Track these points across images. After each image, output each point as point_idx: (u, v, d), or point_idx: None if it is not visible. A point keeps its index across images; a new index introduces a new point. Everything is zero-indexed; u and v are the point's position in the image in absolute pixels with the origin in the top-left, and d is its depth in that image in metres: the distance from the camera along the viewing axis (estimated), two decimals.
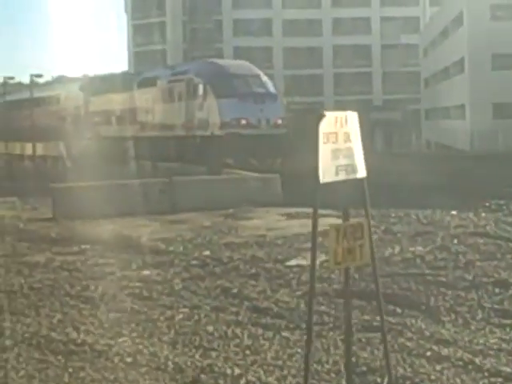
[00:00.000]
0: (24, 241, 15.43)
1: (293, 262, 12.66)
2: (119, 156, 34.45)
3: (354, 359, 7.50)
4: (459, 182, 24.73)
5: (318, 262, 12.57)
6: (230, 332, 8.63)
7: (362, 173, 6.33)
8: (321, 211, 19.74)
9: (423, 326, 8.61)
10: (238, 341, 8.32)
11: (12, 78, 53.93)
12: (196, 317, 9.41)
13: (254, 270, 12.15)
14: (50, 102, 46.47)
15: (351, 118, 6.30)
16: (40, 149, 41.16)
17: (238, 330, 8.73)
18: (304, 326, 8.99)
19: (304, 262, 12.73)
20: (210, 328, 8.83)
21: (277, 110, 29.98)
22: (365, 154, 6.35)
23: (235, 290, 10.84)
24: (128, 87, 37.12)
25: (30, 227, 17.18)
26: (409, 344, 7.92)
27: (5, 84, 53.06)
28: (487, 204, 19.55)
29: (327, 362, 7.44)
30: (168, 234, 16.11)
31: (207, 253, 13.75)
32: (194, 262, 13.01)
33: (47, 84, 60.57)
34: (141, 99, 35.78)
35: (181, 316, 9.44)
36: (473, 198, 20.90)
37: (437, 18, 65.90)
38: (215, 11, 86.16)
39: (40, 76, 49.96)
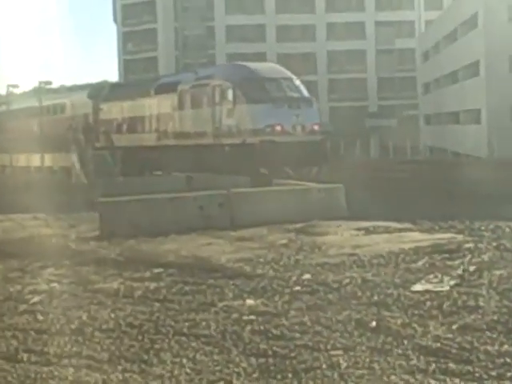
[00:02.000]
0: (85, 264, 13.62)
1: (418, 287, 11.01)
2: (138, 167, 32.55)
3: None
4: None
5: (447, 288, 11.08)
6: None
7: None
8: (396, 225, 17.78)
9: None
10: None
11: (16, 86, 51.73)
12: (360, 362, 7.72)
13: (376, 298, 10.49)
14: (55, 111, 44.48)
15: None
16: (48, 160, 39.20)
17: (431, 381, 7.06)
18: (503, 372, 7.33)
19: (431, 287, 11.12)
20: (395, 379, 7.14)
21: (313, 116, 28.25)
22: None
23: (373, 324, 9.18)
24: (142, 93, 35.23)
25: (84, 248, 15.34)
26: None
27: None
28: None
29: None
30: (244, 253, 14.33)
31: (307, 276, 12.04)
32: (298, 289, 11.32)
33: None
34: (159, 106, 33.87)
35: (341, 361, 7.74)
36: None
37: (440, 21, 64.55)
38: (207, 17, 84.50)
39: (50, 83, 47.70)
